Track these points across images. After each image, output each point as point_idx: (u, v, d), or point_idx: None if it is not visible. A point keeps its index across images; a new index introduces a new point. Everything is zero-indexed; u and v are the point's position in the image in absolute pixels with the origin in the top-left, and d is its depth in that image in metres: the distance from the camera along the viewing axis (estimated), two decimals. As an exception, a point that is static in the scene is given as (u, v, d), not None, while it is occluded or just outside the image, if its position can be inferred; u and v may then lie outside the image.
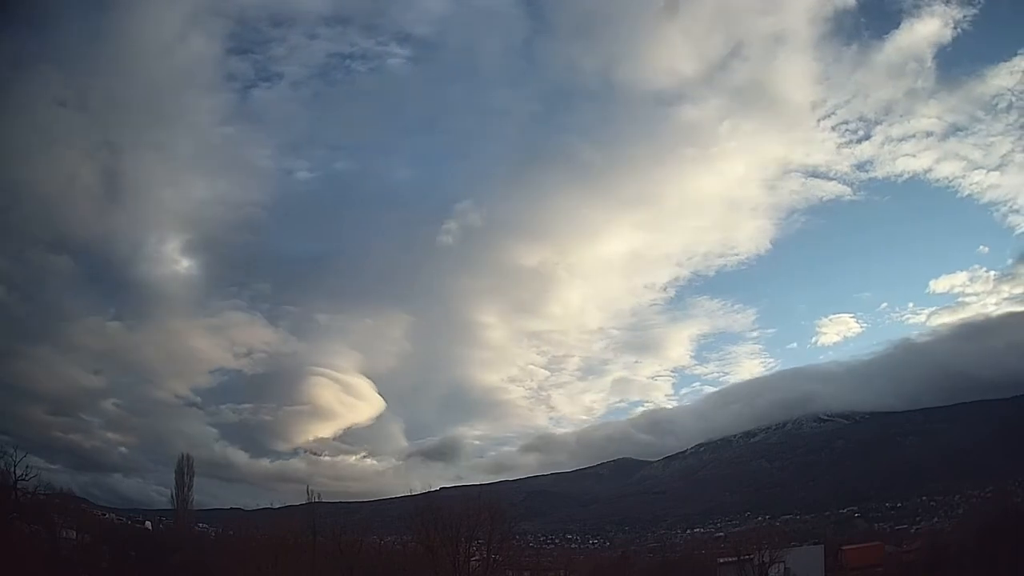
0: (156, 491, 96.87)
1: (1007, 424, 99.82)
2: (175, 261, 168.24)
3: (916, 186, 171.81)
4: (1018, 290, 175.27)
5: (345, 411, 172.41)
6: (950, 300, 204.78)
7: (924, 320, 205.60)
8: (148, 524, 78.10)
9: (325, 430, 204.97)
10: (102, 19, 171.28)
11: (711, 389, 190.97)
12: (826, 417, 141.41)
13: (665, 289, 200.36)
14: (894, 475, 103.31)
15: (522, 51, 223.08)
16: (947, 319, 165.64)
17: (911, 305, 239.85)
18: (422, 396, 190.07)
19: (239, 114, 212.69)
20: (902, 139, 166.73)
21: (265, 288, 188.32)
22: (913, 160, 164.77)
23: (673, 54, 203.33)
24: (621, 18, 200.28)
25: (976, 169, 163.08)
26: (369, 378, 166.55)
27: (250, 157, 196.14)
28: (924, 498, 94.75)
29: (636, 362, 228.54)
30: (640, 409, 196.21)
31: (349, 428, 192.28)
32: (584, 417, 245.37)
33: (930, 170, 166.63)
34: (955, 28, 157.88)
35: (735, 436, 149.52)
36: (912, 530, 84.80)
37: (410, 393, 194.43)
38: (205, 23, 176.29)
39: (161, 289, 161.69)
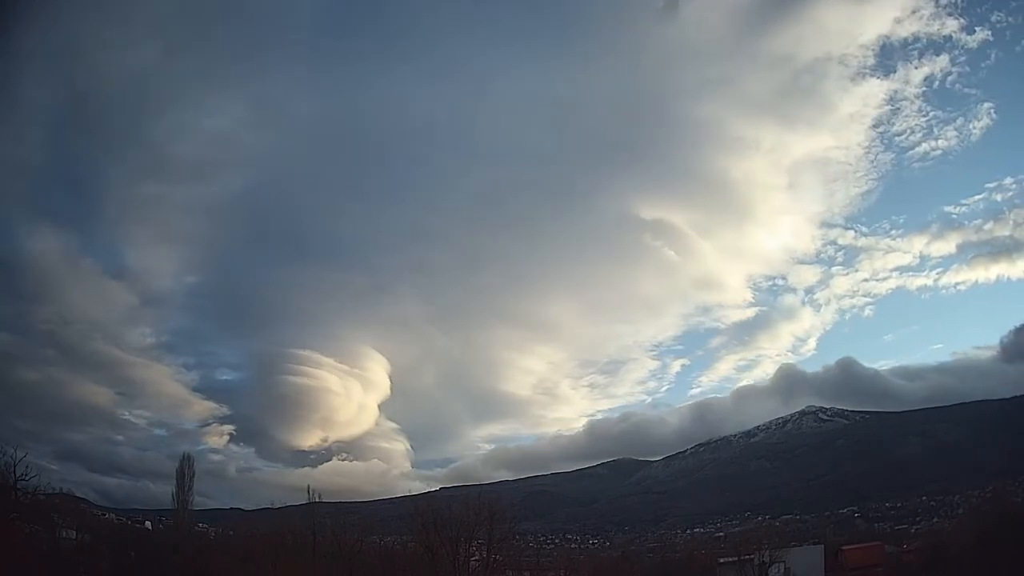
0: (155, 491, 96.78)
1: (1007, 424, 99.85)
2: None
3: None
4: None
5: (346, 412, 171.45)
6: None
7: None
8: (148, 524, 77.96)
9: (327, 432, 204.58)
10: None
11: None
12: (826, 417, 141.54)
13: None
14: (894, 475, 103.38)
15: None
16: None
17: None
18: (426, 395, 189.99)
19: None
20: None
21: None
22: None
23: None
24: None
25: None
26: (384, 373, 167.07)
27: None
28: (924, 498, 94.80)
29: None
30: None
31: (351, 429, 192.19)
32: (583, 418, 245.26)
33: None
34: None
35: (735, 436, 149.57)
36: (912, 530, 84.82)
37: (414, 394, 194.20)
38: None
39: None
